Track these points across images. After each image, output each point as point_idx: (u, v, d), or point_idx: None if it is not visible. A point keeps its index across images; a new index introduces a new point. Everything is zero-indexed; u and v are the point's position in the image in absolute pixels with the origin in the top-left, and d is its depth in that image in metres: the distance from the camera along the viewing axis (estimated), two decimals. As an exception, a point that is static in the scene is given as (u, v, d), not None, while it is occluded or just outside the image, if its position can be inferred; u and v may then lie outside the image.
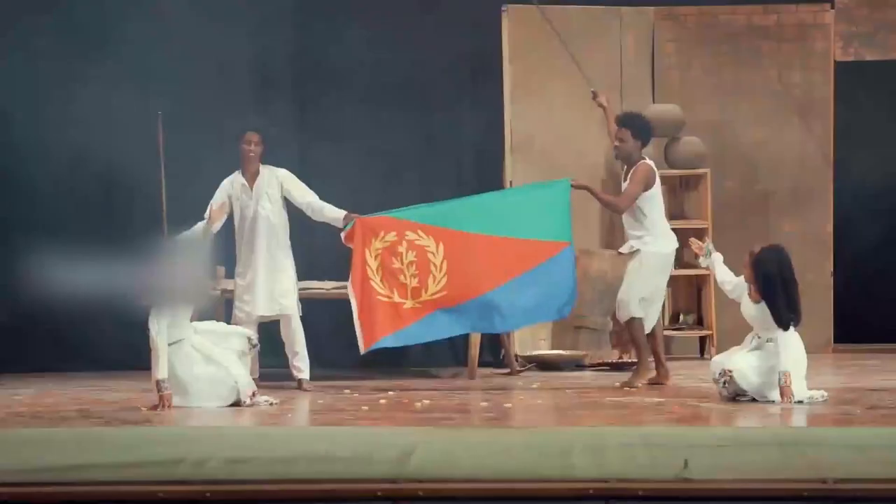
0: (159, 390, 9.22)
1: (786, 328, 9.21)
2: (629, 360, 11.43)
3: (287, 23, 12.32)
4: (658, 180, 10.39)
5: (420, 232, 10.31)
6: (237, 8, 12.05)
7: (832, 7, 12.58)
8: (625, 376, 10.71)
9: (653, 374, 10.58)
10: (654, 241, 10.30)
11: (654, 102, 12.54)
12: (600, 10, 12.52)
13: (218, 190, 10.51)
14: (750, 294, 9.44)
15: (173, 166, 11.89)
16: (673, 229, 12.37)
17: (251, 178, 10.48)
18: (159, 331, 9.23)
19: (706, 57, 12.69)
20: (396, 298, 10.27)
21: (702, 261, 10.00)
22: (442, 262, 10.26)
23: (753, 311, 9.40)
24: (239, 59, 12.23)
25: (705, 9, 12.71)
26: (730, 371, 9.31)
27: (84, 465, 6.67)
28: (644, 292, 10.27)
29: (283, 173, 10.52)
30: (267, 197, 10.45)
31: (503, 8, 12.16)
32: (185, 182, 11.50)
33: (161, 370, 9.22)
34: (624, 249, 10.44)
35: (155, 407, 9.24)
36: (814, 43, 12.61)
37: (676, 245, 10.51)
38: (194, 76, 12.06)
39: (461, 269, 10.24)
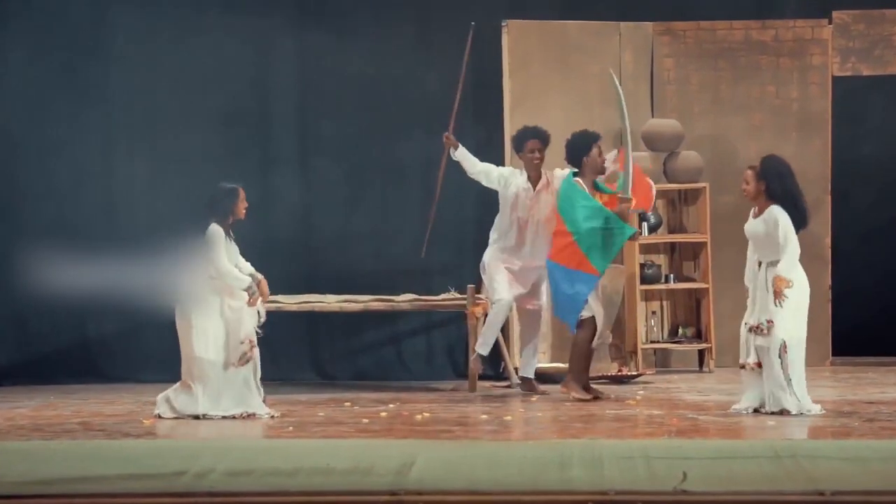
0: (251, 293, 9.57)
1: (803, 225, 9.31)
2: (628, 374, 11.57)
3: (288, 40, 12.35)
4: None
5: None
6: (237, 24, 12.17)
7: (829, 23, 12.59)
8: (623, 390, 10.78)
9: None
10: None
11: (652, 117, 12.56)
12: (599, 25, 12.54)
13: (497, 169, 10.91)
14: (754, 213, 9.48)
15: (170, 180, 12.02)
16: (672, 243, 12.49)
17: (534, 181, 10.91)
18: (228, 268, 9.54)
19: (704, 71, 12.70)
20: None
21: None
22: None
23: (759, 227, 9.41)
24: (239, 73, 12.31)
25: (703, 24, 12.71)
26: (770, 321, 9.21)
27: (86, 477, 6.69)
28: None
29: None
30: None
31: (503, 23, 12.23)
32: (188, 194, 11.58)
33: (242, 279, 9.56)
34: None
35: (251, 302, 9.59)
36: (811, 58, 12.62)
37: None
38: (197, 94, 12.16)
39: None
